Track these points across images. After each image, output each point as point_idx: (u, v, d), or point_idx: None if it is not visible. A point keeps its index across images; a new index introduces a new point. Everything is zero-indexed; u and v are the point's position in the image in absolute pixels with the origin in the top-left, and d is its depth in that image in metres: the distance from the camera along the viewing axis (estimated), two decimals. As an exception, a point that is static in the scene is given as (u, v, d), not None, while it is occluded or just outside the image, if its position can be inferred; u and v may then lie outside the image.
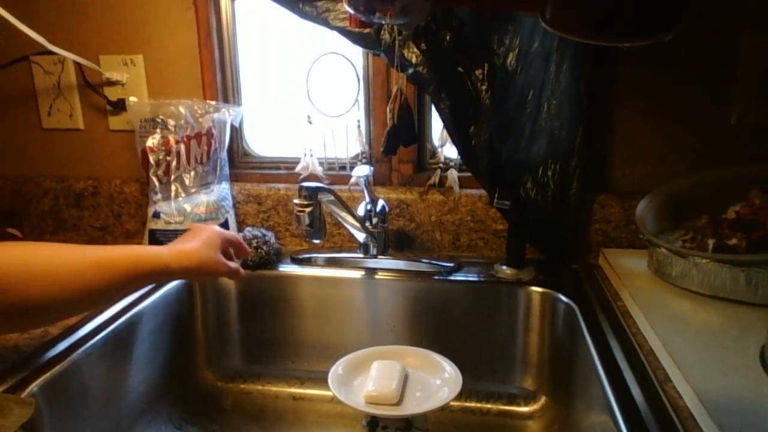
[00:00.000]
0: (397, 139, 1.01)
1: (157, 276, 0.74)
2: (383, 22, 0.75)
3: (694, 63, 1.02)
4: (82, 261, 0.65)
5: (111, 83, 1.19)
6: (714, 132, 1.05)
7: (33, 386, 0.70)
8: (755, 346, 0.71)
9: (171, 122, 1.10)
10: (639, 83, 1.05)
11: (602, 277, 1.01)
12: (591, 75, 1.01)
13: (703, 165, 1.04)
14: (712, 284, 0.84)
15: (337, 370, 0.83)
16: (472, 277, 1.04)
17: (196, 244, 0.79)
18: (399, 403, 0.77)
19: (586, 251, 1.10)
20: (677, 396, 0.65)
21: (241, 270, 0.86)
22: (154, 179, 1.10)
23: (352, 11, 0.66)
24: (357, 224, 1.02)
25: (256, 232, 1.10)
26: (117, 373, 0.87)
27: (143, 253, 0.72)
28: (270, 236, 1.11)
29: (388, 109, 0.99)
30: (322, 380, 1.02)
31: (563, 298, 0.94)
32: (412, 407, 0.77)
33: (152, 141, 1.10)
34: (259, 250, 1.07)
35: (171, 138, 1.10)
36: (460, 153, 1.07)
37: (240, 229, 1.20)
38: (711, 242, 0.89)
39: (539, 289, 0.98)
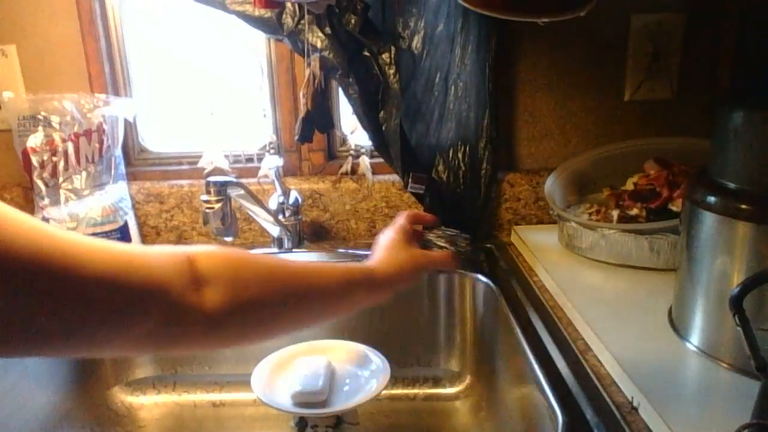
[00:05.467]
0: (312, 125, 0.97)
1: (368, 285, 0.67)
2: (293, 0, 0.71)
3: (588, 44, 1.06)
4: (293, 265, 0.61)
5: (-21, 78, 1.07)
6: (610, 108, 1.10)
7: None
8: (663, 309, 0.74)
9: (55, 119, 1.00)
10: (539, 65, 1.08)
11: (516, 254, 1.03)
12: (494, 57, 1.02)
13: (602, 140, 1.09)
14: (619, 253, 0.88)
15: (260, 372, 0.79)
16: (391, 264, 1.03)
17: (380, 253, 0.71)
18: (327, 399, 0.75)
19: (499, 230, 1.12)
20: (599, 364, 0.67)
21: (452, 253, 0.76)
22: (40, 183, 1.00)
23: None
24: (270, 218, 0.98)
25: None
26: (11, 400, 0.78)
27: (351, 264, 0.69)
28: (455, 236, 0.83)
29: (301, 94, 0.95)
30: (242, 383, 0.97)
31: (482, 278, 0.95)
32: (341, 403, 0.75)
33: (34, 141, 0.99)
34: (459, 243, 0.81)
35: (56, 136, 1.00)
36: (371, 139, 1.05)
37: (141, 231, 1.12)
38: (615, 213, 0.93)
39: (458, 271, 0.99)
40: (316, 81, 0.92)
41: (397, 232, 0.74)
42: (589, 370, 0.66)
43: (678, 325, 0.70)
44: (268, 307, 0.56)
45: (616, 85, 1.08)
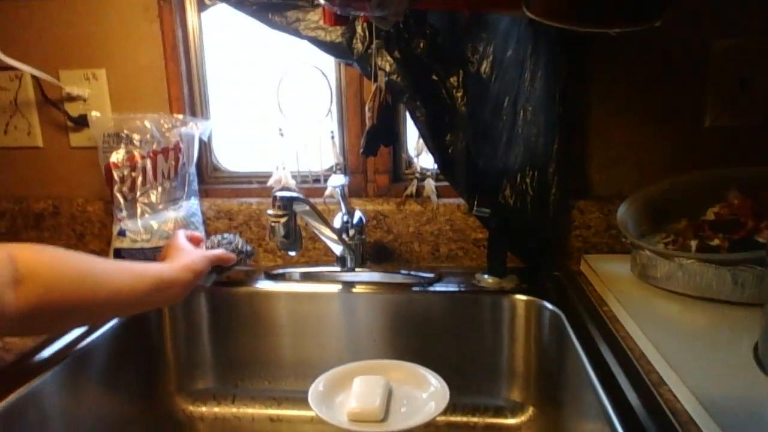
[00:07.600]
0: (377, 138, 0.98)
1: (158, 285, 0.74)
2: (360, 14, 0.72)
3: (666, 67, 1.03)
4: (113, 266, 0.70)
5: (72, 99, 1.14)
6: (688, 135, 1.05)
7: (-14, 417, 0.65)
8: (747, 345, 0.69)
9: (136, 137, 1.06)
10: (612, 89, 1.05)
11: (586, 283, 0.99)
12: (565, 81, 1.00)
13: (678, 168, 1.04)
14: (698, 285, 0.83)
15: (317, 387, 0.79)
16: (453, 288, 1.01)
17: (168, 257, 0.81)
18: (384, 419, 0.73)
19: (568, 258, 1.09)
20: (674, 399, 0.62)
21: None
22: (119, 196, 1.05)
23: (327, 4, 0.63)
24: (334, 236, 0.98)
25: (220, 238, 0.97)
26: (80, 401, 0.81)
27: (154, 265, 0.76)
28: (235, 238, 0.97)
29: (367, 108, 0.96)
30: (300, 400, 0.97)
31: (548, 306, 0.92)
32: (397, 423, 0.73)
33: (116, 156, 1.05)
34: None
35: (136, 153, 1.05)
36: (437, 161, 1.04)
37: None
38: (693, 243, 0.88)
39: (523, 297, 0.96)
40: (382, 95, 0.92)
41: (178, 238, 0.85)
42: (663, 405, 0.62)
43: (765, 363, 0.64)
44: (75, 306, 0.62)
45: (695, 111, 1.04)
